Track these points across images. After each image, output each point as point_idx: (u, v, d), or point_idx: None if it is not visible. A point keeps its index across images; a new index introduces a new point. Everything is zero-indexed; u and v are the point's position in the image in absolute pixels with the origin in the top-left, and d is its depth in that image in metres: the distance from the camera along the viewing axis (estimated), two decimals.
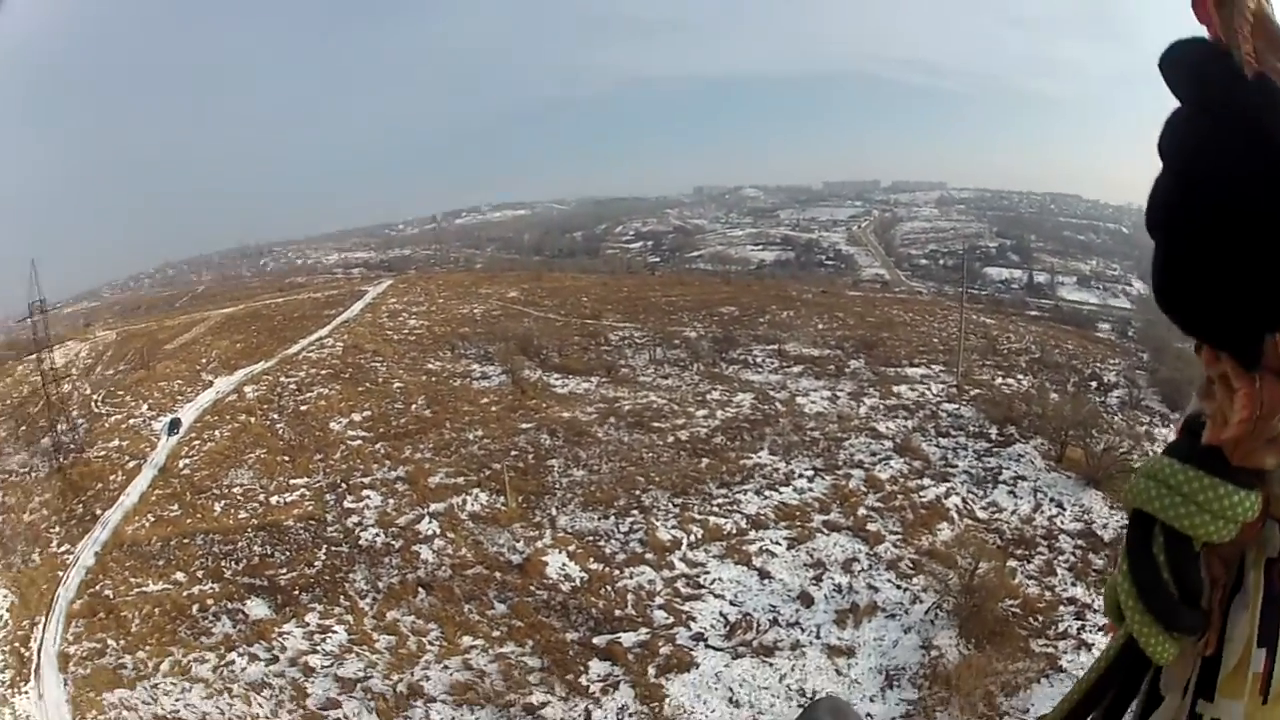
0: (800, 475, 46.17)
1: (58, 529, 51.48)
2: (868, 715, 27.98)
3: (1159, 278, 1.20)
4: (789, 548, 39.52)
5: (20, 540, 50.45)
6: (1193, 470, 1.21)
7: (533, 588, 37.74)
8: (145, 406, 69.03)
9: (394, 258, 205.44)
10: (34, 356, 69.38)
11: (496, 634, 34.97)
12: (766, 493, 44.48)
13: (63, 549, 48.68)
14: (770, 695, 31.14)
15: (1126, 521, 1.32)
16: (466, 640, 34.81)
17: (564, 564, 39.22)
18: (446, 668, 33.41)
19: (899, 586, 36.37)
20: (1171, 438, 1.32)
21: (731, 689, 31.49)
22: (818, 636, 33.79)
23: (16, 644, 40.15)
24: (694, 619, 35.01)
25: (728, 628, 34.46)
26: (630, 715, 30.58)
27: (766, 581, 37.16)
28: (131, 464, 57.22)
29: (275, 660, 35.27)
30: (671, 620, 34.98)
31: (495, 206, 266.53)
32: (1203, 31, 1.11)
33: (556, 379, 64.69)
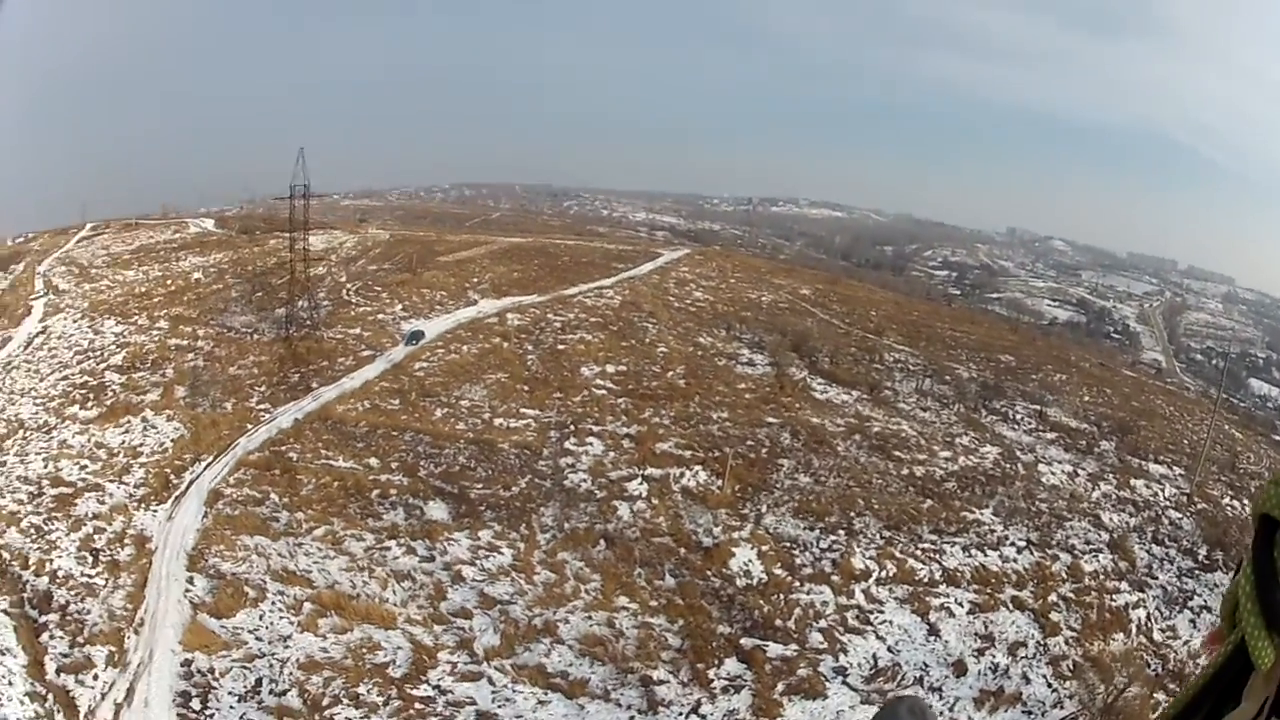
0: (1011, 543, 49.89)
1: (263, 389, 65.18)
2: None
3: None
4: (969, 612, 43.30)
5: (216, 387, 63.98)
6: None
7: (710, 573, 44.11)
8: (399, 307, 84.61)
9: (701, 229, 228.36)
10: (290, 235, 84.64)
11: (653, 604, 41.62)
12: (973, 551, 48.47)
13: (261, 406, 61.88)
14: None
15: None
16: (622, 600, 41.79)
17: (750, 560, 45.26)
18: (589, 619, 40.38)
19: (1050, 685, 39.30)
20: None
21: None
22: (951, 709, 37.40)
23: (168, 471, 52.27)
24: (845, 652, 39.65)
25: (872, 671, 38.80)
26: None
27: (932, 639, 41.16)
28: (366, 353, 71.01)
29: (430, 560, 44.23)
30: (824, 646, 39.80)
31: (813, 203, 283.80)
32: None
33: (819, 384, 71.59)
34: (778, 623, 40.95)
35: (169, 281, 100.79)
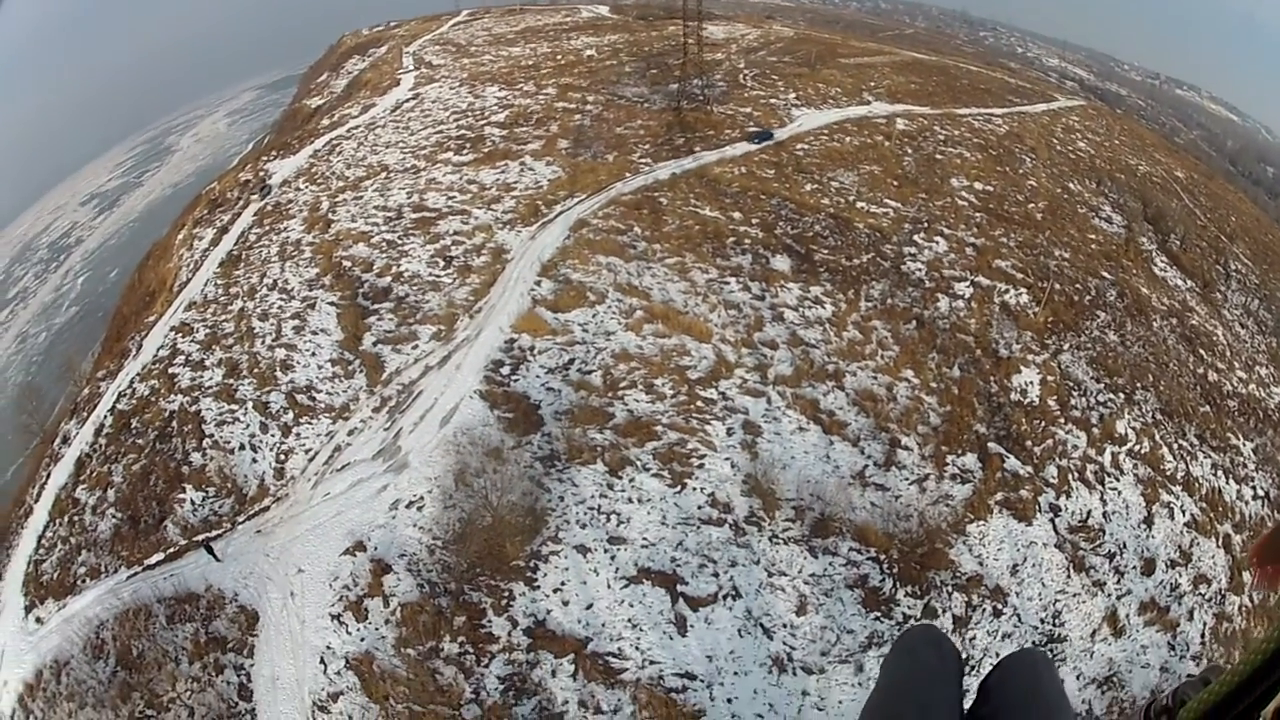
0: (1253, 485, 48.28)
1: (646, 147, 72.85)
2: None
3: None
4: (1186, 524, 42.94)
5: (599, 142, 72.27)
6: None
7: (993, 379, 47.29)
8: (793, 95, 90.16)
9: (1106, 89, 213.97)
10: (684, 23, 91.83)
11: (932, 385, 45.51)
12: (1220, 472, 47.45)
13: (642, 160, 69.41)
14: None
15: None
16: (908, 373, 46.07)
17: (1031, 382, 47.72)
18: (875, 378, 45.21)
19: (1202, 637, 38.52)
20: None
21: None
22: (1118, 599, 38.20)
23: (539, 202, 61.10)
24: (1068, 495, 40.97)
25: (1080, 524, 40.28)
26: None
27: (1143, 526, 41.36)
28: (752, 129, 76.95)
29: (760, 299, 50.64)
30: (1054, 481, 41.31)
31: (1214, 98, 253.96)
32: None
33: (1161, 261, 70.65)
34: (1027, 444, 43.03)
35: (558, 57, 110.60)
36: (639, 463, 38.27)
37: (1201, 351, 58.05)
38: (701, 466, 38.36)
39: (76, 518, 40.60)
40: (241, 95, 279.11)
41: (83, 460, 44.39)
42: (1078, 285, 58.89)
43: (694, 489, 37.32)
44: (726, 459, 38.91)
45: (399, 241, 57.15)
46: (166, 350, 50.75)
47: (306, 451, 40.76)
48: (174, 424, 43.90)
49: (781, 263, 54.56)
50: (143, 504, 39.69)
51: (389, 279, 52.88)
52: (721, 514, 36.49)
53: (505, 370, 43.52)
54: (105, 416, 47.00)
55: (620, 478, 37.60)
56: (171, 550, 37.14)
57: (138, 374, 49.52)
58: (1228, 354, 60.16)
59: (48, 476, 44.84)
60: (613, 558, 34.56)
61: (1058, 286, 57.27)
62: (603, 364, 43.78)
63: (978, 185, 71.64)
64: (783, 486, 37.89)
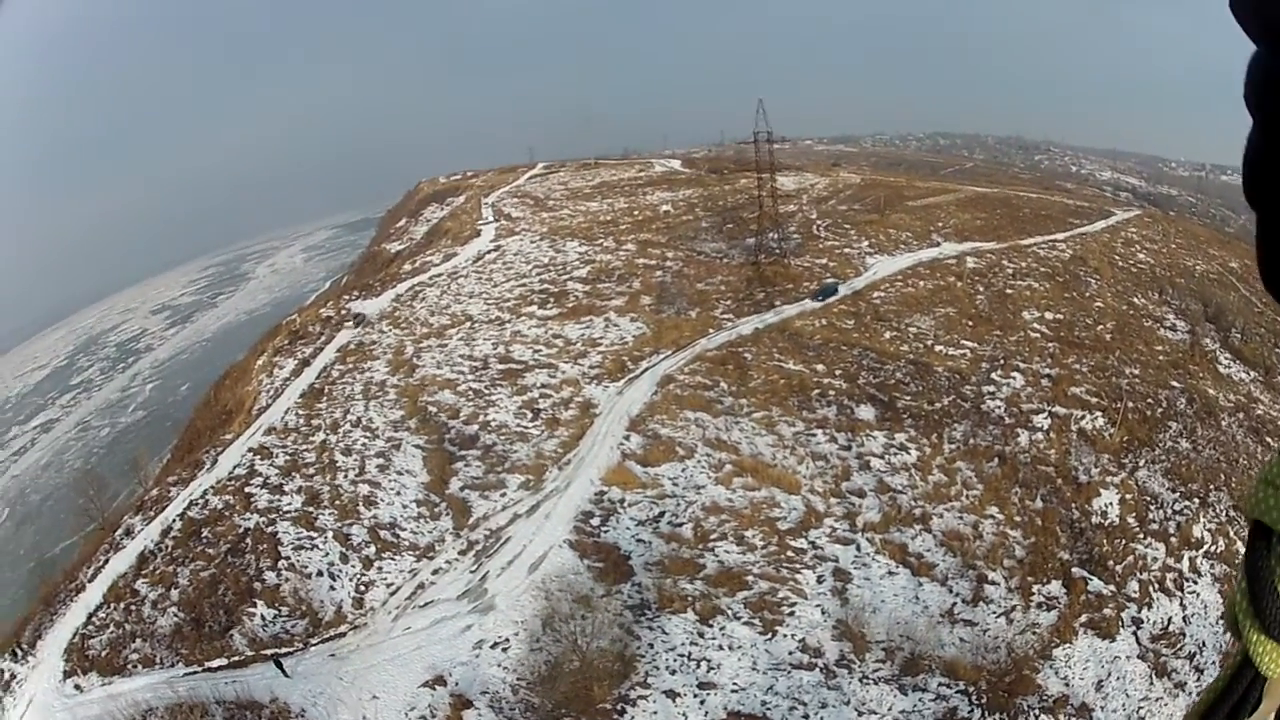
0: None
1: (728, 302, 74.05)
2: None
3: (1258, 252, 1.32)
4: None
5: (682, 299, 73.52)
6: None
7: (1074, 506, 47.58)
8: (865, 243, 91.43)
9: (1158, 193, 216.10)
10: (758, 176, 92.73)
11: (1017, 519, 45.91)
12: None
13: (724, 316, 70.77)
14: None
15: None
16: (992, 510, 46.54)
17: (1111, 504, 47.97)
18: (961, 518, 45.67)
19: None
20: None
21: None
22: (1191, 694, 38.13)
23: (626, 359, 62.41)
24: (1149, 607, 41.49)
25: (1161, 632, 40.47)
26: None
27: (1222, 623, 40.50)
28: (830, 280, 78.08)
29: (847, 449, 51.44)
30: (1136, 596, 42.01)
31: None
32: None
33: (1225, 358, 70.33)
34: (1109, 563, 43.57)
35: (635, 212, 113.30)
36: (730, 611, 38.70)
37: (1269, 439, 57.73)
38: (792, 614, 38.82)
39: (134, 607, 41.31)
40: (318, 233, 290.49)
41: (146, 556, 45.28)
42: (1149, 400, 59.16)
43: (785, 635, 37.70)
44: (817, 605, 39.40)
45: (486, 391, 58.83)
46: (243, 470, 52.21)
47: (388, 585, 41.83)
48: (248, 540, 45.02)
49: (866, 412, 55.57)
50: (209, 610, 40.48)
51: (476, 427, 54.29)
52: (812, 658, 36.75)
53: (595, 521, 44.62)
54: (174, 520, 48.01)
55: (711, 626, 38.02)
56: (237, 659, 37.87)
57: (212, 487, 50.74)
58: None
59: (106, 562, 45.66)
60: (702, 702, 34.77)
61: (1130, 405, 57.62)
62: (693, 516, 44.77)
63: (1048, 315, 72.25)
64: (873, 629, 38.11)
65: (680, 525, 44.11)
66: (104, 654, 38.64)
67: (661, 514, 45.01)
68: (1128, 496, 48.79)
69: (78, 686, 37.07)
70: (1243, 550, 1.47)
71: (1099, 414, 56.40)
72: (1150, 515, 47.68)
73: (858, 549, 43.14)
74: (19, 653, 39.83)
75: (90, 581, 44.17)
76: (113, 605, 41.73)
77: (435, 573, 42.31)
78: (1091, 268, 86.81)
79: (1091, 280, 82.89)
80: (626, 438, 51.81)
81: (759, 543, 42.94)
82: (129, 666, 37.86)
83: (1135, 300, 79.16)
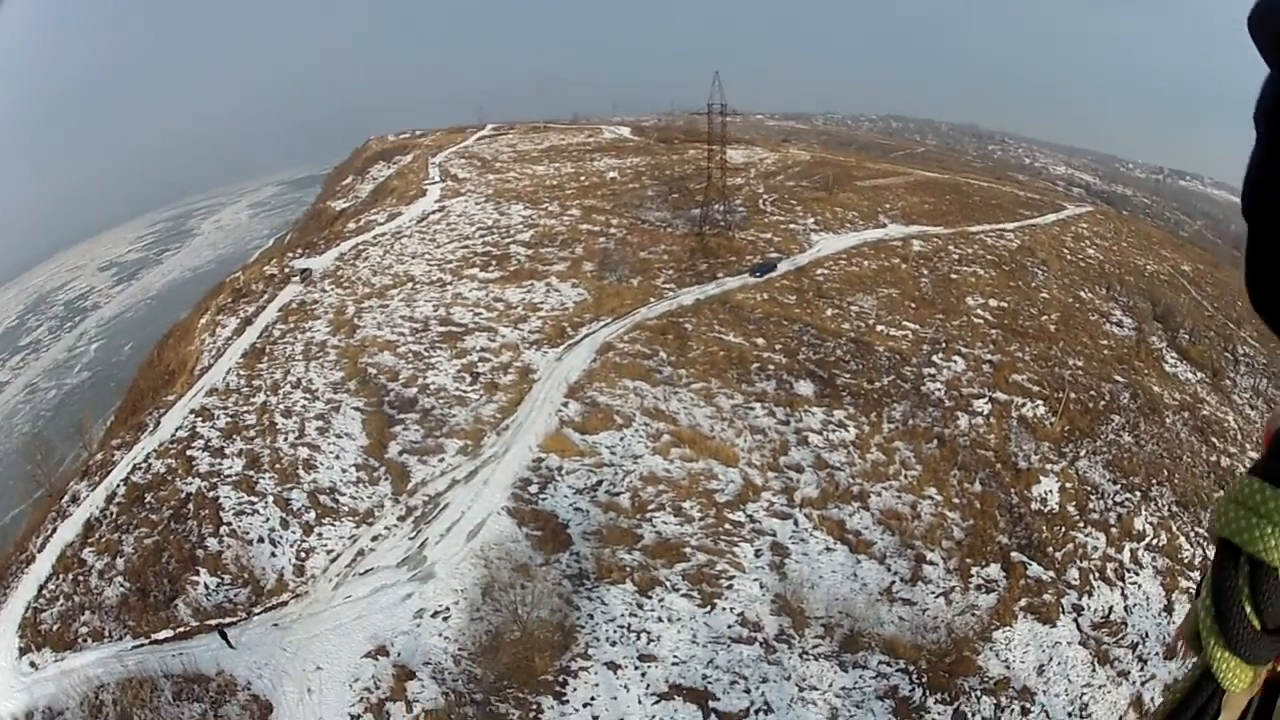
0: None
1: (670, 272, 73.92)
2: None
3: (1246, 270, 1.31)
4: None
5: (625, 266, 73.30)
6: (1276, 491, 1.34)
7: (1013, 491, 47.98)
8: (811, 220, 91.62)
9: (1113, 192, 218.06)
10: (708, 148, 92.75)
11: (955, 501, 46.24)
12: None
13: (666, 285, 70.61)
14: None
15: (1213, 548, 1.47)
16: (931, 490, 46.81)
17: (1051, 491, 48.41)
18: (899, 497, 45.87)
19: None
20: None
21: None
22: (1139, 685, 38.68)
23: (565, 325, 62.10)
24: (1090, 595, 41.82)
25: (1102, 620, 40.92)
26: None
27: (1164, 615, 42.12)
28: (773, 254, 78.50)
29: (785, 423, 51.51)
30: (1075, 583, 42.32)
31: (1217, 183, 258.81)
32: None
33: (1171, 357, 71.51)
34: (1048, 549, 44.02)
35: (582, 178, 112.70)
36: (669, 583, 38.62)
37: (1214, 439, 58.88)
38: (731, 587, 38.71)
39: (81, 577, 40.87)
40: (264, 189, 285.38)
41: (92, 524, 44.75)
42: (1092, 392, 59.85)
43: (724, 609, 37.60)
44: (755, 579, 39.32)
45: (425, 353, 58.34)
46: (185, 432, 51.37)
47: (328, 552, 41.31)
48: (190, 506, 44.48)
49: (805, 387, 55.65)
50: (153, 579, 39.97)
51: (415, 390, 53.86)
52: (751, 632, 36.64)
53: (533, 488, 44.34)
54: (118, 485, 47.41)
55: (650, 597, 37.89)
56: (182, 629, 37.45)
57: (154, 450, 50.13)
58: (1239, 437, 61.07)
59: (53, 530, 45.23)
60: (643, 674, 34.55)
61: (1073, 395, 58.37)
62: (631, 486, 44.62)
63: (993, 302, 72.99)
64: (812, 605, 38.15)
65: (618, 495, 44.03)
66: (55, 628, 38.35)
67: (599, 483, 44.97)
68: (1068, 485, 49.31)
69: (33, 664, 36.77)
70: (1209, 565, 1.48)
71: (1040, 402, 57.04)
72: (1090, 505, 48.20)
73: (795, 524, 43.19)
74: None
75: (40, 552, 43.80)
76: (61, 576, 41.39)
77: (375, 539, 42.00)
78: (1039, 259, 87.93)
79: (1038, 271, 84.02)
80: (565, 404, 51.71)
81: (696, 514, 42.88)
82: (79, 641, 37.54)
83: (1082, 294, 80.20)
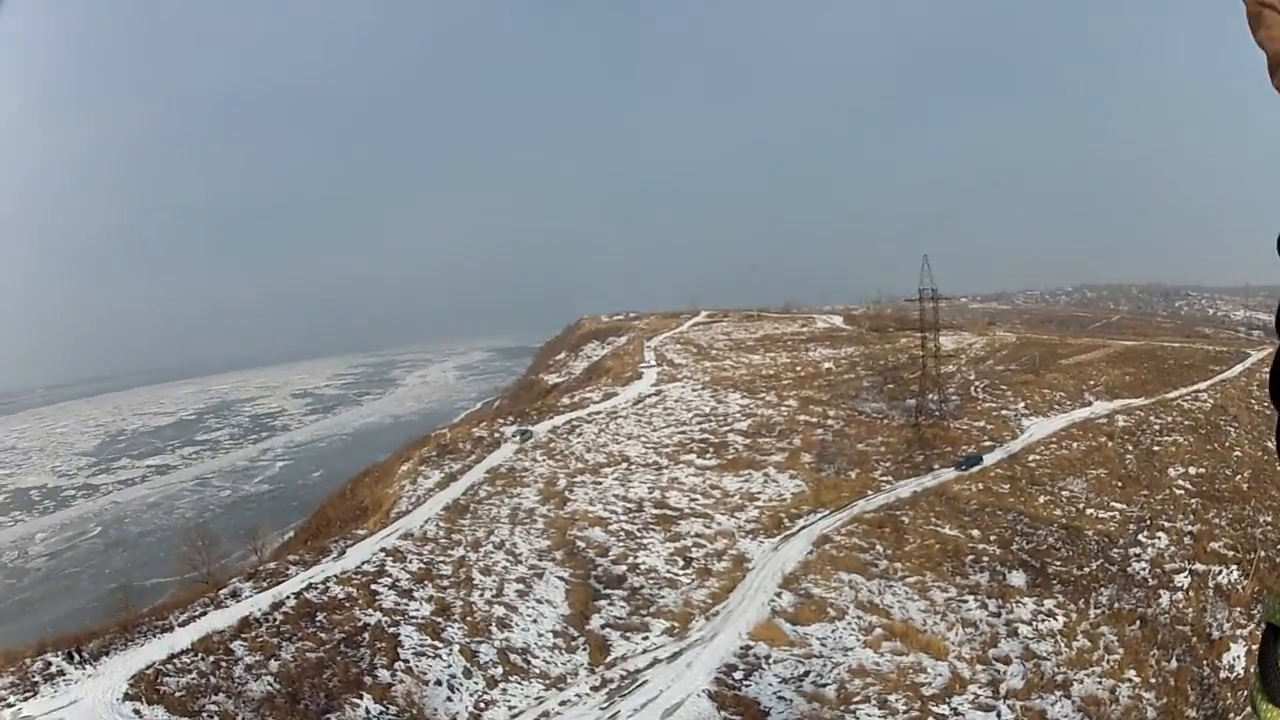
0: None
1: (887, 464, 76.36)
2: None
3: (1273, 374, 1.46)
4: None
5: (842, 458, 75.58)
6: None
7: (1205, 662, 48.01)
8: (1021, 404, 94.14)
9: None
10: (921, 335, 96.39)
11: (1152, 681, 46.20)
12: None
13: (884, 478, 72.89)
14: None
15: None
16: (1130, 673, 46.87)
17: (1239, 657, 48.18)
18: (1100, 683, 45.95)
19: None
20: None
21: None
22: None
23: (782, 515, 63.99)
24: None
25: None
26: None
27: None
28: (987, 443, 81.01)
29: (996, 615, 51.56)
30: None
31: None
32: None
33: None
34: (1230, 716, 43.87)
35: (798, 368, 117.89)
36: None
37: None
38: None
39: (224, 663, 42.42)
40: (473, 353, 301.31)
41: (250, 621, 46.56)
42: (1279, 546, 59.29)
43: None
44: None
45: (638, 533, 61.27)
46: (373, 567, 54.50)
47: (510, 708, 42.63)
48: (366, 635, 46.39)
49: (1017, 578, 56.26)
50: (309, 689, 41.41)
51: (624, 568, 56.42)
52: None
53: (738, 674, 44.86)
54: (288, 597, 49.57)
55: None
56: None
57: (335, 576, 52.74)
58: None
59: (202, 614, 47.44)
60: None
61: (1262, 554, 58.12)
62: (838, 677, 45.16)
63: (1191, 470, 73.44)
64: None
65: (824, 686, 44.29)
66: (178, 695, 39.85)
67: (807, 673, 45.24)
68: (1253, 648, 47.49)
69: (137, 711, 38.28)
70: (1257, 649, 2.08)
71: (1234, 567, 57.02)
72: None
73: (998, 716, 43.01)
74: (76, 657, 42.14)
75: (180, 626, 46.20)
76: (200, 654, 43.18)
77: (563, 704, 42.78)
78: (1230, 415, 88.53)
79: (1230, 429, 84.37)
80: (778, 594, 52.91)
81: (901, 707, 42.98)
82: (204, 715, 38.98)
83: (1269, 444, 78.70)
